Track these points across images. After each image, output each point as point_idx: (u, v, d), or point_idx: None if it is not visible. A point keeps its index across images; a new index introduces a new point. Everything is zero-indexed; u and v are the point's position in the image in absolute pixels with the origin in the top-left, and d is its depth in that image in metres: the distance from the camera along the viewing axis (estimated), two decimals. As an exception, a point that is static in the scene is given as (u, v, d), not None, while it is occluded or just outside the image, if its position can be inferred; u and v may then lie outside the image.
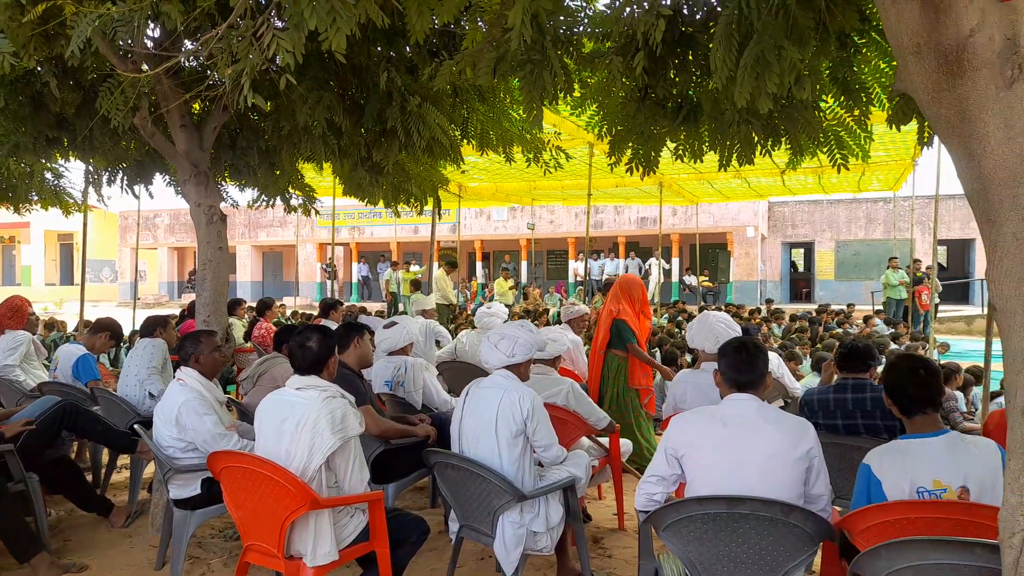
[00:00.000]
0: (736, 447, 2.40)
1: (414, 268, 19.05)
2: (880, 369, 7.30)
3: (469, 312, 15.23)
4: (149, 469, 4.65)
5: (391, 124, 4.28)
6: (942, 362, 7.83)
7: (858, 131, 3.92)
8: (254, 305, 9.34)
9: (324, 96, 4.11)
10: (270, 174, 5.63)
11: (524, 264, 26.42)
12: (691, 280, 23.15)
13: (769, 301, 17.01)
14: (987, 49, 1.36)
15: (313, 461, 2.67)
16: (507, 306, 15.91)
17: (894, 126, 3.68)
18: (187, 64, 4.44)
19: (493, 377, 3.18)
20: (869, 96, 3.62)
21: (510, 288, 18.86)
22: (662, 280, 21.16)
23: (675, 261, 24.76)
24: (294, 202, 6.60)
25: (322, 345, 2.92)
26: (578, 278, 22.90)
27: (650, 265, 21.83)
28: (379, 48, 4.25)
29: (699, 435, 2.49)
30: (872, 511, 2.29)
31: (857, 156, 4.17)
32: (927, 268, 15.09)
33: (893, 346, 9.50)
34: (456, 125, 5.01)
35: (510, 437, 3.03)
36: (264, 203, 6.27)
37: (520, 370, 3.23)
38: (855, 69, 3.55)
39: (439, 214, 7.75)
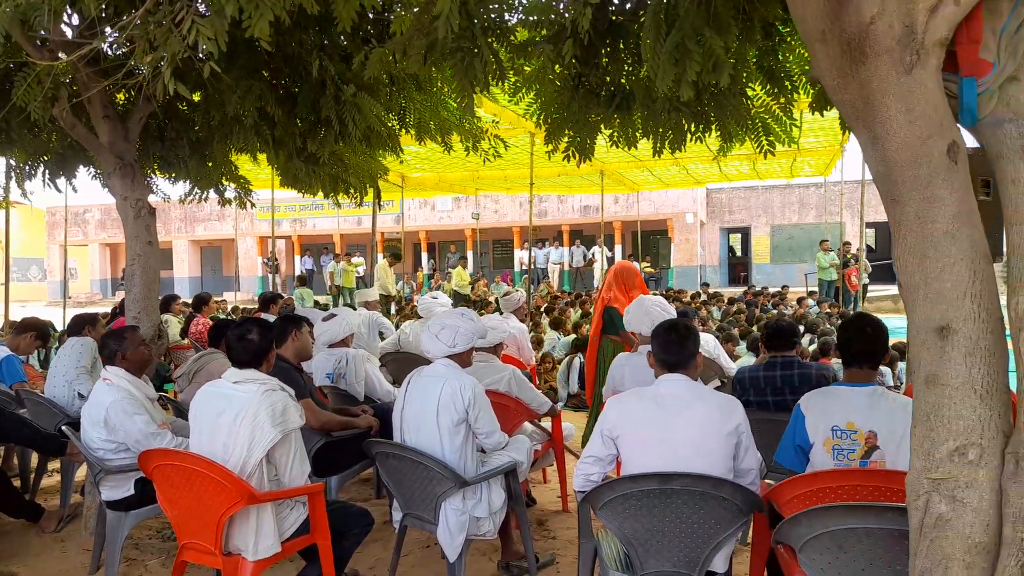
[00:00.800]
0: (669, 425, 2.47)
1: (356, 260, 18.81)
2: (811, 348, 7.56)
3: (415, 303, 15.15)
4: (81, 471, 4.49)
5: (325, 114, 4.21)
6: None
7: (784, 118, 4.04)
8: (190, 301, 9.09)
9: (254, 85, 4.02)
10: (202, 166, 5.47)
11: (470, 254, 26.39)
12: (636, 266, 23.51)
13: (706, 285, 17.43)
14: (887, 36, 1.43)
15: (253, 455, 2.63)
16: (466, 295, 15.85)
17: (818, 112, 3.83)
18: (109, 52, 4.27)
19: (434, 366, 3.19)
20: (794, 84, 3.73)
21: (471, 277, 18.82)
22: (606, 267, 21.44)
23: (618, 248, 25.09)
24: (229, 194, 6.43)
25: (262, 338, 2.87)
26: (523, 267, 23.01)
27: (594, 253, 22.08)
28: (311, 36, 4.17)
29: (633, 415, 2.55)
30: (798, 482, 2.39)
31: (784, 142, 4.30)
32: (856, 250, 15.68)
33: (825, 326, 9.86)
34: (394, 114, 4.96)
35: (451, 425, 3.04)
36: (197, 196, 6.09)
37: (462, 358, 3.24)
38: (779, 57, 3.66)
39: (379, 205, 7.66)
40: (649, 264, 24.37)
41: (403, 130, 5.12)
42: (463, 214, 26.01)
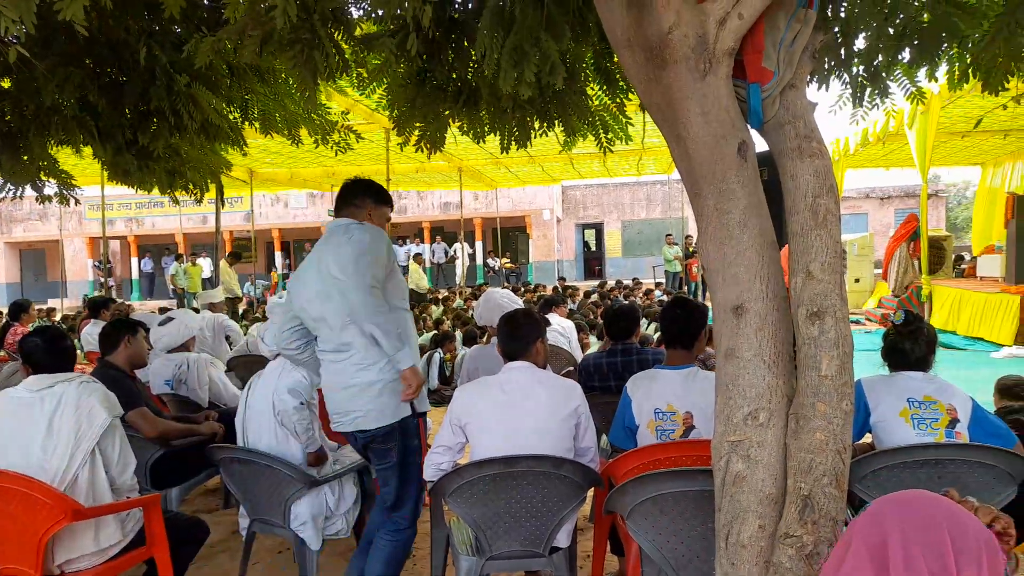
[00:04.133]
0: (513, 411, 2.58)
1: (201, 261, 17.73)
2: (656, 335, 8.01)
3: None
4: None
5: (156, 104, 3.96)
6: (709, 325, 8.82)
7: (620, 117, 4.29)
8: (5, 310, 8.21)
9: (73, 73, 3.71)
10: (15, 160, 4.96)
11: (327, 252, 25.62)
12: (494, 262, 23.89)
13: (562, 279, 18.04)
14: (684, 45, 1.58)
15: (80, 450, 2.44)
16: (420, 292, 15.27)
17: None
18: None
19: (270, 365, 3.11)
20: (628, 85, 3.97)
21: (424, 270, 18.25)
22: (467, 263, 21.64)
23: (479, 245, 25.38)
24: (49, 191, 5.87)
25: (58, 346, 2.67)
26: (383, 265, 22.67)
27: (455, 250, 22.20)
28: (138, 21, 3.91)
29: (479, 403, 2.63)
30: (629, 457, 2.58)
31: (622, 140, 4.56)
32: (697, 243, 16.82)
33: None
34: (236, 106, 4.75)
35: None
36: (11, 194, 5.51)
37: None
38: (615, 59, 3.88)
39: (223, 201, 7.28)
40: (509, 260, 24.89)
41: (246, 123, 4.91)
42: (319, 211, 25.22)
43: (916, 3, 2.84)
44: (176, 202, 6.76)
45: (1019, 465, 2.37)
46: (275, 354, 3.17)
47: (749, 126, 1.72)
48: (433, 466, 2.70)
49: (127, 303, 14.73)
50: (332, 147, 6.13)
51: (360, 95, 7.77)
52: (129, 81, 3.99)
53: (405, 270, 22.89)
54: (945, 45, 2.97)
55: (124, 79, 4.13)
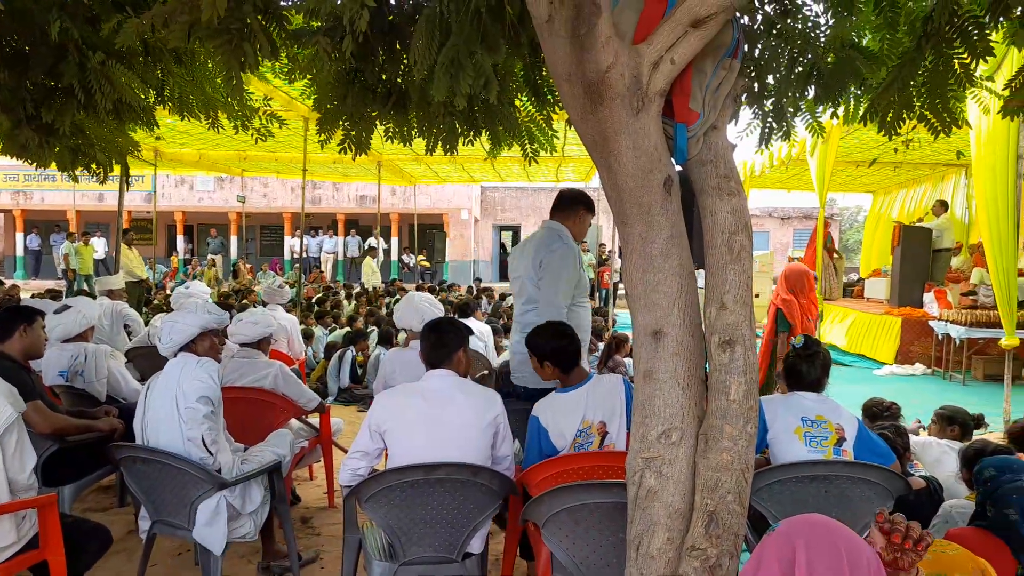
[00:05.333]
0: (433, 418, 2.61)
1: (94, 241, 16.72)
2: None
3: (168, 291, 13.89)
4: None
5: (68, 81, 3.74)
6: (616, 332, 9.09)
7: (547, 129, 4.39)
8: None
9: (-31, 40, 3.46)
10: None
11: (234, 239, 24.71)
12: (409, 259, 23.70)
13: (478, 280, 18.12)
14: (620, 83, 1.67)
15: None
16: (373, 288, 14.62)
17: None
18: None
19: (169, 363, 3.01)
20: (555, 98, 4.07)
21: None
22: (382, 259, 21.36)
23: (395, 240, 25.12)
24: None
25: None
26: (295, 255, 22.08)
27: (370, 244, 21.87)
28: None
29: (400, 409, 2.65)
30: (544, 465, 2.66)
31: (547, 150, 4.67)
32: (609, 251, 17.27)
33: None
34: (150, 86, 4.54)
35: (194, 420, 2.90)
36: None
37: (195, 348, 3.08)
38: (543, 74, 3.97)
39: (128, 182, 6.92)
40: (424, 257, 24.75)
41: (160, 105, 4.71)
42: (227, 195, 24.27)
43: (823, 47, 3.07)
44: (75, 179, 6.39)
45: (897, 482, 2.61)
46: (173, 353, 3.04)
47: (675, 162, 1.84)
48: (349, 471, 2.70)
49: (14, 284, 13.69)
50: (252, 134, 5.96)
51: (282, 83, 7.56)
52: (36, 55, 3.76)
53: (317, 262, 22.47)
54: (847, 87, 3.23)
55: (28, 49, 3.88)
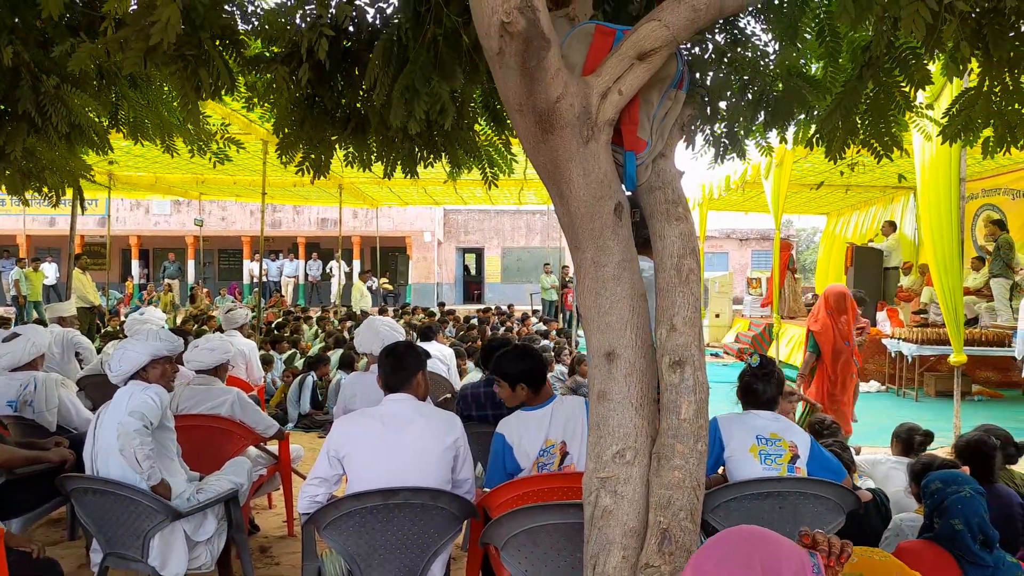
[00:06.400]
0: (393, 443, 2.60)
1: (45, 267, 16.26)
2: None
3: (123, 318, 13.56)
4: None
5: (23, 108, 3.68)
6: (579, 352, 9.15)
7: (506, 153, 4.45)
8: None
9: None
10: None
11: (191, 263, 24.27)
12: (372, 282, 23.54)
13: (442, 304, 18.09)
14: (569, 113, 1.72)
15: None
16: (362, 312, 14.38)
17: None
18: None
19: (118, 392, 2.95)
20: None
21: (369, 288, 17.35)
22: (344, 282, 21.17)
23: (356, 263, 24.94)
24: None
25: None
26: (254, 279, 21.76)
27: (331, 267, 21.69)
28: (-1, 15, 3.63)
29: (359, 435, 2.64)
30: (505, 488, 2.67)
31: (506, 173, 4.72)
32: (573, 273, 17.40)
33: (544, 342, 10.85)
34: (104, 110, 4.49)
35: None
36: None
37: (146, 376, 3.03)
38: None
39: (82, 207, 6.77)
40: (387, 280, 24.61)
41: (114, 129, 4.65)
42: (184, 219, 23.87)
43: (771, 75, 3.19)
44: (26, 203, 6.24)
45: (848, 497, 2.69)
46: (123, 381, 2.99)
47: (625, 189, 1.89)
48: (308, 498, 2.66)
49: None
50: (211, 157, 5.91)
51: (241, 108, 7.52)
52: (-12, 79, 3.69)
53: (277, 286, 22.17)
54: (794, 112, 3.36)
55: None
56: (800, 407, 5.20)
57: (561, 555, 2.26)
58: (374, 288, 23.15)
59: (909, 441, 3.90)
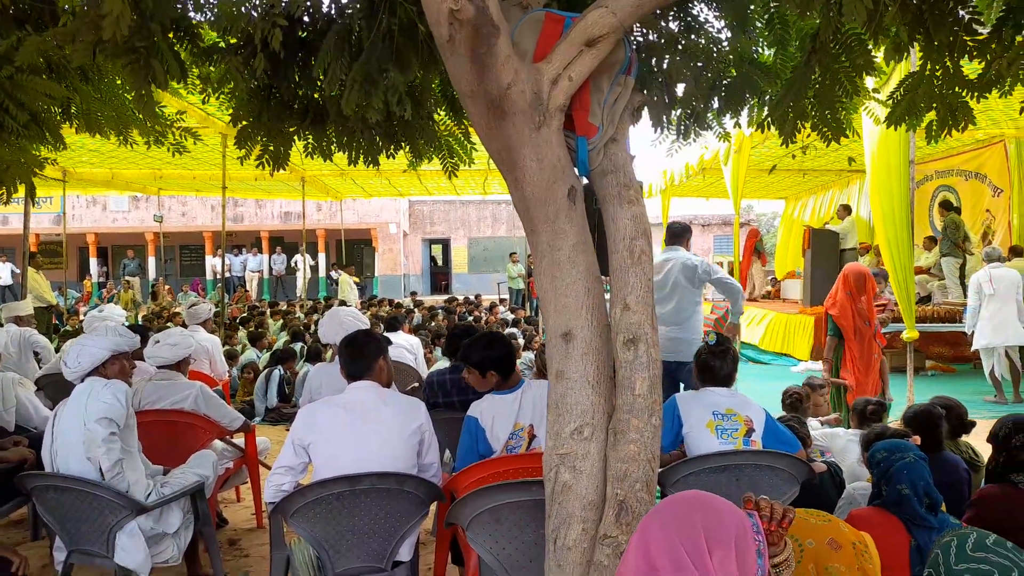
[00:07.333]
0: (357, 430, 2.63)
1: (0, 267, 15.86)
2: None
3: (81, 317, 13.27)
4: None
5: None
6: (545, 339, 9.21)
7: (466, 142, 4.47)
8: None
9: None
10: None
11: (152, 260, 23.80)
12: (338, 275, 23.35)
13: (413, 293, 18.06)
14: (521, 99, 1.76)
15: None
16: (347, 303, 14.15)
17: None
18: None
19: (77, 388, 2.93)
20: (472, 113, 4.16)
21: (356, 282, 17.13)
22: (309, 276, 20.97)
23: (321, 257, 24.70)
24: None
25: None
26: (217, 275, 21.42)
27: (296, 261, 21.46)
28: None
29: (323, 423, 2.66)
30: (471, 470, 2.72)
31: (466, 163, 4.74)
32: (533, 274, 17.48)
33: (512, 329, 10.91)
34: (56, 104, 4.39)
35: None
36: None
37: (104, 372, 3.01)
38: (460, 89, 4.04)
39: (34, 202, 6.61)
40: (354, 273, 24.42)
41: (67, 122, 4.55)
42: (143, 215, 23.39)
43: (724, 62, 3.27)
44: (-23, 203, 6.08)
45: (801, 468, 2.79)
46: (80, 378, 2.96)
47: (578, 173, 1.94)
48: (274, 487, 2.68)
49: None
50: (169, 148, 5.81)
51: (197, 100, 7.39)
52: (-73, 71, 3.59)
53: (241, 280, 21.87)
54: (747, 98, 3.44)
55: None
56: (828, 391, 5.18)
57: (524, 531, 2.31)
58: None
59: (863, 412, 4.04)
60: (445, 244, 27.77)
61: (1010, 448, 2.57)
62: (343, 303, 14.26)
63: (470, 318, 13.16)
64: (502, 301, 17.13)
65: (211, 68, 3.64)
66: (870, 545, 2.01)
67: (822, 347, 9.94)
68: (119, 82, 4.64)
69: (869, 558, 1.96)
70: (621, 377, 1.84)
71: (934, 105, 3.22)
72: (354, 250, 25.46)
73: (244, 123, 3.96)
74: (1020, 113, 3.85)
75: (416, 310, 13.97)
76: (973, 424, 3.70)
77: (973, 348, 7.57)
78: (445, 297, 18.65)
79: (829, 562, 1.90)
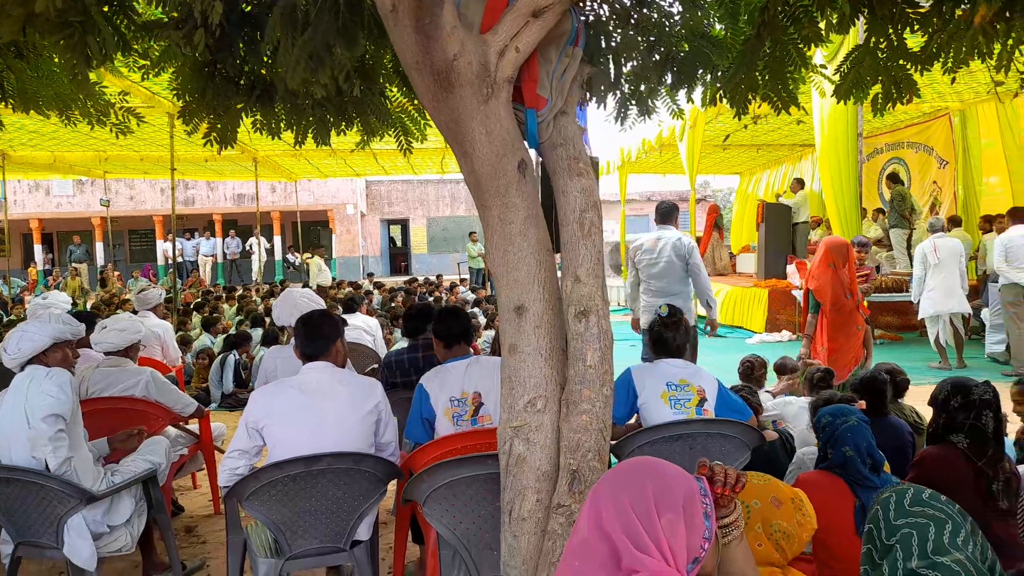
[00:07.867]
0: (313, 411, 2.60)
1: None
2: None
3: (27, 306, 12.84)
4: None
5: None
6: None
7: (419, 119, 4.42)
8: None
9: None
10: None
11: (100, 246, 23.08)
12: (294, 258, 22.99)
13: (371, 275, 17.89)
14: (468, 71, 1.74)
15: None
16: (323, 288, 13.74)
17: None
18: None
19: (17, 378, 2.83)
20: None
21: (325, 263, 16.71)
22: (265, 259, 20.61)
23: (277, 239, 24.27)
24: None
25: None
26: (168, 260, 20.90)
27: (250, 244, 21.05)
28: None
29: (278, 405, 2.62)
30: (428, 448, 2.72)
31: (419, 140, 4.69)
32: (485, 249, 17.45)
33: (472, 309, 10.90)
34: (-11, 81, 4.20)
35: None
36: None
37: (45, 360, 2.91)
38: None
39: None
40: (310, 255, 24.06)
41: (1, 101, 4.36)
42: (89, 200, 22.64)
43: (675, 37, 3.28)
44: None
45: (752, 435, 2.86)
46: (20, 365, 2.86)
47: (528, 146, 1.93)
48: (228, 471, 2.64)
49: None
50: (111, 129, 5.61)
51: (141, 79, 7.16)
52: None
53: (194, 265, 21.38)
54: (700, 72, 3.46)
55: None
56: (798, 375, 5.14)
57: (481, 505, 2.32)
58: (298, 264, 22.63)
59: (811, 380, 4.17)
60: (404, 225, 27.52)
61: (949, 410, 2.66)
62: (320, 288, 14.00)
63: (431, 298, 13.11)
64: (463, 281, 17.08)
65: (152, 43, 3.52)
66: (804, 500, 2.11)
67: (775, 318, 10.22)
68: (57, 59, 4.46)
69: (805, 512, 2.06)
70: (573, 349, 1.85)
71: (879, 78, 3.28)
72: (311, 232, 25.09)
73: (188, 99, 3.85)
74: (951, 83, 3.96)
75: (376, 291, 13.85)
76: (908, 383, 3.89)
77: (920, 317, 7.80)
78: (405, 278, 18.54)
79: (773, 519, 1.97)
